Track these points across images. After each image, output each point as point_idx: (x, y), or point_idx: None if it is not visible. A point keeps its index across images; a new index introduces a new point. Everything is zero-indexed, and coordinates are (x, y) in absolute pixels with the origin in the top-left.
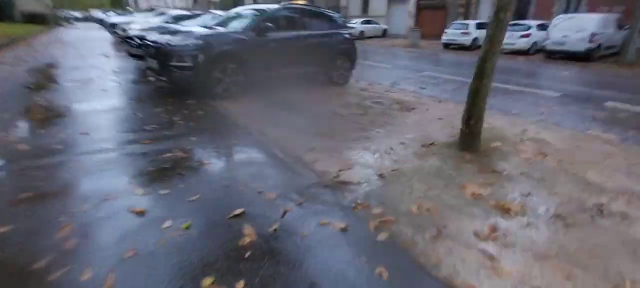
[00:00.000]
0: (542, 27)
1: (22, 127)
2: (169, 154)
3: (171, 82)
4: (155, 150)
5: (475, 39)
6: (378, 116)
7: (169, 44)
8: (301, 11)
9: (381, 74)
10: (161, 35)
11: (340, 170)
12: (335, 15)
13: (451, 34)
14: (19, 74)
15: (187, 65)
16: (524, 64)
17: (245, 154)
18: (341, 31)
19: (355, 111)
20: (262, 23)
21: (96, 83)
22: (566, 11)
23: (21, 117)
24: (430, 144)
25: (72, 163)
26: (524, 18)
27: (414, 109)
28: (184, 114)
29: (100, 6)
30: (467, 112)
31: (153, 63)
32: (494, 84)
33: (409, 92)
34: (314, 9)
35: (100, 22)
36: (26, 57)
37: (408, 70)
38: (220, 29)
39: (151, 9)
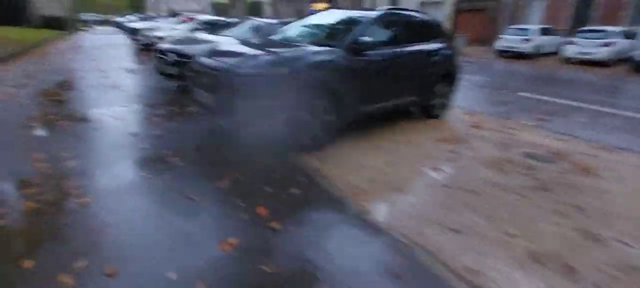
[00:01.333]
0: (627, 35)
1: None
2: None
3: (237, 127)
4: None
5: (538, 47)
6: (566, 192)
7: (233, 71)
8: (404, 19)
9: (463, 94)
10: (214, 57)
11: None
12: (440, 23)
13: (509, 40)
14: (21, 101)
15: (265, 103)
16: (619, 80)
17: None
18: (444, 45)
19: (519, 179)
20: (359, 38)
21: (122, 120)
22: (638, 17)
23: (3, 210)
24: None
25: None
26: (584, 25)
27: (593, 171)
28: (269, 195)
29: (118, 10)
30: None
31: (207, 97)
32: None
33: (542, 131)
34: (419, 16)
35: (119, 26)
36: (36, 72)
37: (491, 88)
38: (302, 49)
39: (175, 14)
